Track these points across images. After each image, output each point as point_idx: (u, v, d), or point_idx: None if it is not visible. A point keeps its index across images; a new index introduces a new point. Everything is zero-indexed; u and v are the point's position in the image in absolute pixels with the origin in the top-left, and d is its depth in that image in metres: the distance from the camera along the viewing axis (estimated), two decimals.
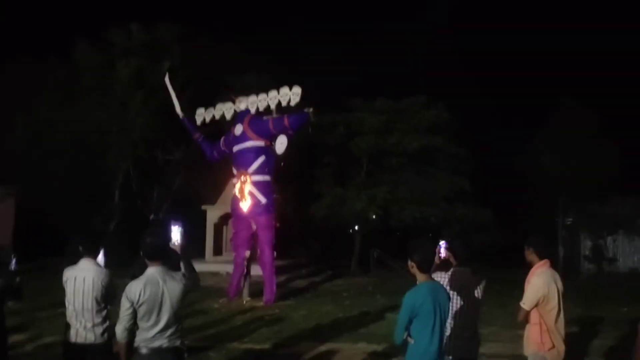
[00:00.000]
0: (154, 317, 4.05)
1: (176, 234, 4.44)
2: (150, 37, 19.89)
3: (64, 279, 5.00)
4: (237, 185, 13.11)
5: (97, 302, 4.91)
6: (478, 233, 19.01)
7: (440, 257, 5.12)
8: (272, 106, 13.00)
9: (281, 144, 12.59)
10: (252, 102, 13.43)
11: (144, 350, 4.05)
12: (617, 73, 26.07)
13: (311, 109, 12.58)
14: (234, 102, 13.85)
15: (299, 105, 12.67)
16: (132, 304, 4.02)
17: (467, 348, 5.00)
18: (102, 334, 4.95)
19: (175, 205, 20.85)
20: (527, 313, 5.00)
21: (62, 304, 5.72)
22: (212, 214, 18.60)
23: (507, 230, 19.34)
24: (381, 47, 30.41)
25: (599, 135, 18.68)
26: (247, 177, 12.92)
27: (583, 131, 18.62)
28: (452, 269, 5.03)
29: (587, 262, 20.47)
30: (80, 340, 4.92)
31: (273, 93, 13.04)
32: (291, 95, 12.68)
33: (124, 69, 18.92)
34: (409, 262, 4.29)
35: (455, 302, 4.93)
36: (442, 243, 5.20)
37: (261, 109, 13.25)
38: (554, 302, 5.00)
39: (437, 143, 18.40)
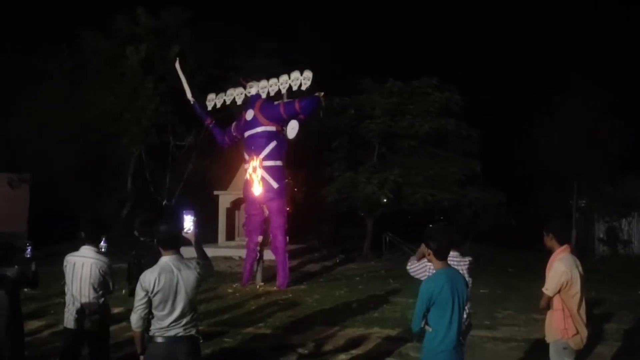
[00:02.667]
0: (169, 306, 4.05)
1: (189, 222, 4.42)
2: (158, 22, 19.81)
3: (64, 264, 5.06)
4: (249, 171, 13.11)
5: (94, 289, 4.97)
6: (489, 215, 18.94)
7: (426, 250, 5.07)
8: (283, 91, 12.92)
9: (292, 129, 12.54)
10: (263, 87, 13.36)
11: (159, 339, 4.06)
12: (629, 49, 25.62)
13: (322, 93, 12.50)
14: (244, 87, 13.79)
15: (310, 89, 12.60)
16: (147, 293, 4.03)
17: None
18: (98, 320, 5.01)
19: (187, 191, 20.92)
20: (550, 299, 4.94)
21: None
22: (224, 199, 18.62)
23: (518, 213, 19.23)
24: (389, 28, 30.03)
25: (611, 114, 18.39)
26: (259, 162, 12.90)
27: (594, 109, 18.34)
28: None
29: (601, 244, 20.30)
30: (77, 326, 4.98)
31: (284, 77, 12.95)
32: (302, 79, 12.58)
33: (133, 55, 18.87)
34: (425, 249, 4.27)
35: None
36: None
37: (272, 93, 13.17)
38: (576, 287, 4.92)
39: (449, 125, 18.23)
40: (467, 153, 18.92)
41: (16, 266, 5.25)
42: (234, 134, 13.95)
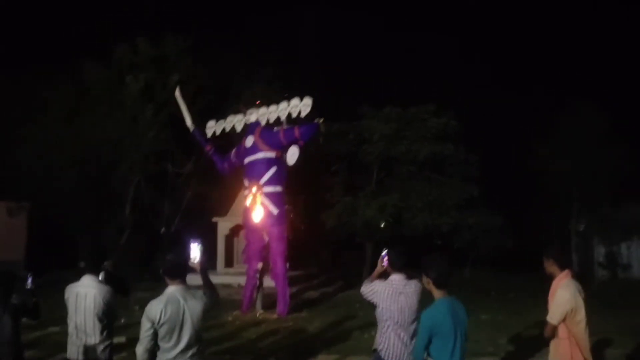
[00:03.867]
0: (175, 337, 4.01)
1: (195, 251, 4.41)
2: (157, 51, 19.98)
3: (66, 295, 5.01)
4: (249, 197, 13.11)
5: (99, 320, 4.92)
6: (488, 239, 18.93)
7: (383, 266, 5.22)
8: (283, 117, 12.98)
9: (292, 155, 12.59)
10: (263, 114, 13.44)
11: None
12: (628, 73, 25.88)
13: (322, 120, 12.58)
14: (244, 114, 13.88)
15: (309, 115, 12.67)
16: (153, 324, 4.00)
17: (405, 351, 4.96)
18: (104, 351, 4.96)
19: (185, 218, 20.87)
20: (555, 328, 4.86)
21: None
22: (223, 226, 18.59)
23: (517, 236, 19.24)
24: (387, 55, 30.36)
25: (611, 137, 18.53)
26: (259, 188, 12.91)
27: (594, 133, 18.49)
28: (389, 276, 5.11)
29: (601, 268, 20.27)
30: (81, 357, 4.91)
31: (283, 104, 13.03)
32: (301, 106, 12.65)
33: (133, 83, 19.00)
34: (424, 279, 4.26)
35: (393, 307, 4.95)
36: (384, 253, 5.29)
37: (271, 120, 13.24)
38: (581, 313, 4.86)
39: (447, 150, 18.33)
40: (465, 177, 18.96)
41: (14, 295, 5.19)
42: (234, 160, 14.00)
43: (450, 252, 17.93)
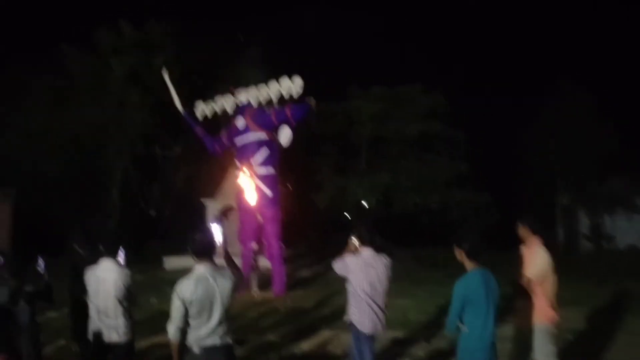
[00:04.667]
0: (205, 315, 4.05)
1: (217, 233, 4.43)
2: (142, 34, 19.70)
3: (86, 278, 5.01)
4: (242, 179, 13.07)
5: (119, 302, 4.95)
6: (477, 217, 19.16)
7: (355, 244, 5.44)
8: (274, 98, 12.94)
9: (285, 135, 12.56)
10: (253, 95, 13.36)
11: (196, 349, 4.06)
12: (612, 52, 26.24)
13: (312, 99, 12.54)
14: (234, 95, 13.77)
15: (300, 95, 12.63)
16: (184, 302, 4.02)
17: (377, 320, 5.32)
18: (125, 333, 5.00)
19: (175, 200, 20.77)
20: (534, 283, 5.23)
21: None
22: (212, 207, 18.55)
23: (504, 213, 19.49)
24: (374, 32, 30.22)
25: (596, 114, 18.82)
26: (252, 170, 12.88)
27: (580, 111, 18.76)
28: (359, 251, 5.35)
29: (586, 241, 20.69)
30: (102, 339, 4.95)
31: (274, 84, 12.97)
32: (292, 86, 12.60)
33: (118, 67, 18.73)
34: (457, 250, 4.34)
35: (363, 279, 5.24)
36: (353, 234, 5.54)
37: (262, 101, 13.17)
38: (553, 275, 5.31)
39: (435, 129, 18.44)
40: (453, 155, 19.14)
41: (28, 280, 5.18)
42: (225, 142, 13.90)
43: (439, 229, 18.14)
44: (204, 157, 17.68)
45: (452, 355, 7.42)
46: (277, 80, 12.85)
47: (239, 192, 13.31)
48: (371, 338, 5.38)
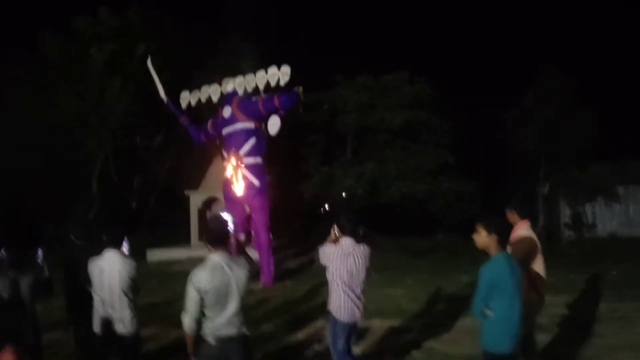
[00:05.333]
0: (221, 305, 3.96)
1: (229, 222, 4.34)
2: (122, 22, 19.29)
3: (90, 270, 4.88)
4: (229, 169, 12.92)
5: (125, 293, 4.84)
6: (462, 205, 19.28)
7: (336, 234, 5.46)
8: (261, 87, 12.77)
9: (274, 125, 12.41)
10: (240, 84, 13.17)
11: (211, 340, 3.97)
12: (593, 39, 26.55)
13: (301, 88, 12.41)
14: (220, 84, 13.58)
15: (287, 84, 12.50)
16: (199, 292, 3.92)
17: (355, 309, 5.31)
18: (131, 324, 4.90)
19: (157, 192, 20.51)
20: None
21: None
22: (196, 199, 18.31)
23: (489, 201, 19.65)
24: (358, 20, 30.05)
25: (576, 102, 19.03)
26: (239, 159, 12.73)
27: (561, 99, 18.94)
28: (340, 240, 5.36)
29: (567, 229, 20.96)
30: (107, 331, 4.85)
31: (261, 73, 12.79)
32: (280, 75, 12.45)
33: (97, 55, 18.33)
34: (483, 232, 4.28)
35: (342, 268, 5.24)
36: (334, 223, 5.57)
37: (249, 90, 13.00)
38: (541, 257, 5.39)
39: (421, 118, 18.45)
40: (439, 144, 19.18)
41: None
42: (211, 131, 13.73)
43: (423, 219, 18.26)
44: (187, 148, 17.45)
45: (455, 343, 7.53)
46: (265, 69, 12.69)
47: (225, 182, 13.16)
48: (350, 327, 5.39)
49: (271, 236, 12.97)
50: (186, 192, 18.31)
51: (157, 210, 19.33)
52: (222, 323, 3.95)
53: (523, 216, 5.52)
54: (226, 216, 4.41)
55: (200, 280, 3.91)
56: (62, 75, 18.78)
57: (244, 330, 4.08)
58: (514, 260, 4.32)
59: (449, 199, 18.83)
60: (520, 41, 27.61)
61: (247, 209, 12.92)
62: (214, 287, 3.90)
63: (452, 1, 32.48)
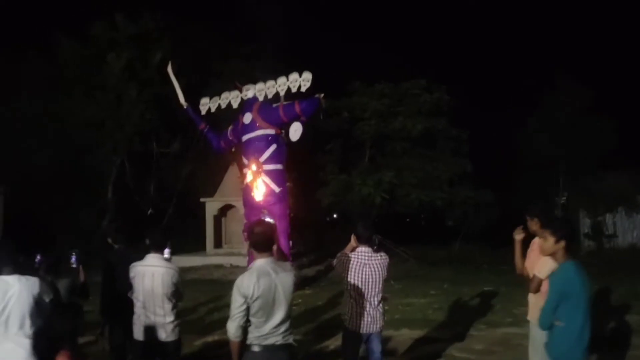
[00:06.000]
0: (267, 312, 3.80)
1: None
2: (138, 28, 19.28)
3: (132, 275, 4.77)
4: (249, 175, 12.81)
5: (168, 299, 4.72)
6: (479, 214, 19.10)
7: (354, 242, 5.32)
8: (282, 93, 12.67)
9: (295, 131, 12.29)
10: (260, 90, 13.10)
11: (256, 349, 3.81)
12: (610, 46, 26.36)
13: (322, 95, 12.30)
14: (240, 90, 13.50)
15: (308, 91, 12.40)
16: (246, 299, 3.75)
17: (366, 320, 5.15)
18: (173, 331, 4.78)
19: (175, 198, 20.38)
20: (541, 282, 4.79)
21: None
22: (211, 206, 18.22)
23: (503, 211, 19.43)
24: (377, 28, 29.91)
25: (594, 110, 18.84)
26: (259, 166, 12.62)
27: (578, 106, 18.78)
28: (356, 249, 5.22)
29: (586, 239, 20.66)
30: (148, 338, 4.72)
31: (282, 79, 12.69)
32: (301, 81, 12.34)
33: (114, 61, 18.30)
34: (551, 239, 4.10)
35: (357, 278, 5.12)
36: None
37: (269, 96, 12.91)
38: None
39: (440, 126, 18.33)
40: (456, 152, 19.02)
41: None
42: (231, 138, 13.65)
43: (440, 228, 18.07)
44: (203, 155, 17.35)
45: (490, 354, 7.37)
46: (286, 76, 12.59)
47: (245, 189, 13.06)
48: (361, 337, 5.23)
49: (290, 243, 12.84)
50: (202, 199, 18.23)
51: (172, 217, 19.21)
52: (268, 331, 3.80)
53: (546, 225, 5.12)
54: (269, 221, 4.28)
55: (247, 286, 3.76)
56: (77, 80, 18.75)
57: (290, 339, 3.93)
58: (583, 269, 4.13)
59: (467, 208, 18.64)
60: (537, 48, 27.46)
61: (267, 216, 12.77)
62: (260, 294, 3.75)
63: (468, 9, 32.27)
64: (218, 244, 18.45)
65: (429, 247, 18.81)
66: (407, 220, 18.66)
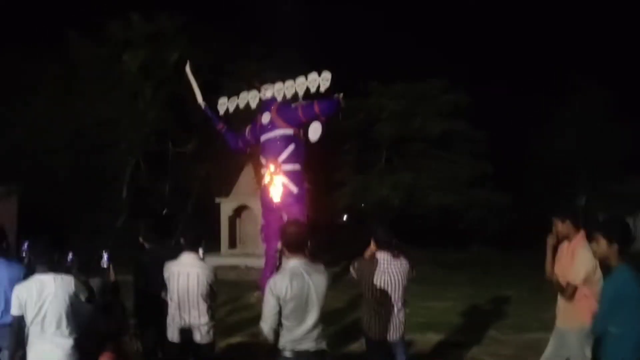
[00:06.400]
0: (300, 314, 3.68)
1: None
2: (153, 27, 19.22)
3: (166, 274, 4.65)
4: (267, 176, 12.67)
5: (203, 300, 4.60)
6: (497, 216, 18.91)
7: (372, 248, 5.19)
8: (300, 93, 12.52)
9: (315, 131, 12.06)
10: (279, 90, 12.93)
11: (288, 353, 3.70)
12: (631, 49, 25.99)
13: (342, 95, 12.14)
14: (259, 90, 13.35)
15: (327, 90, 12.25)
16: (279, 300, 3.64)
17: (385, 327, 5.03)
18: (208, 332, 4.66)
19: (193, 198, 20.27)
20: (576, 289, 4.72)
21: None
22: (226, 207, 18.10)
23: (524, 214, 19.24)
24: (394, 28, 29.63)
25: (616, 113, 18.63)
26: (277, 166, 12.48)
27: (598, 110, 18.59)
28: (375, 255, 5.07)
29: None
30: (183, 339, 4.60)
31: (301, 79, 12.53)
32: (320, 80, 12.16)
33: (130, 60, 18.24)
34: (602, 242, 3.93)
35: (375, 285, 4.97)
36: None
37: (288, 96, 12.76)
38: (599, 272, 4.69)
39: (460, 127, 18.14)
40: (474, 154, 18.83)
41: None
42: (249, 138, 13.45)
43: (456, 231, 17.87)
44: (218, 155, 17.22)
45: (515, 358, 7.20)
46: (305, 75, 12.44)
47: (263, 190, 12.90)
48: (384, 345, 5.10)
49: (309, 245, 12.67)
50: (217, 200, 18.12)
51: (188, 218, 19.12)
52: (301, 335, 3.69)
53: (579, 228, 4.83)
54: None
55: (280, 287, 3.65)
56: (93, 79, 18.72)
57: (324, 344, 3.80)
58: (636, 272, 3.95)
59: (485, 210, 18.44)
60: (559, 50, 27.06)
61: (285, 217, 12.64)
62: (294, 295, 3.64)
63: (488, 9, 31.86)
64: (232, 244, 18.35)
65: (445, 250, 18.62)
66: (421, 222, 18.33)
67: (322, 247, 20.31)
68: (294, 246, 3.85)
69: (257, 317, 9.94)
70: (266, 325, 3.71)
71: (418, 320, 9.36)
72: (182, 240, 4.71)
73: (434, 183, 17.72)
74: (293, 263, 3.81)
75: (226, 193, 18.16)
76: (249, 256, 16.89)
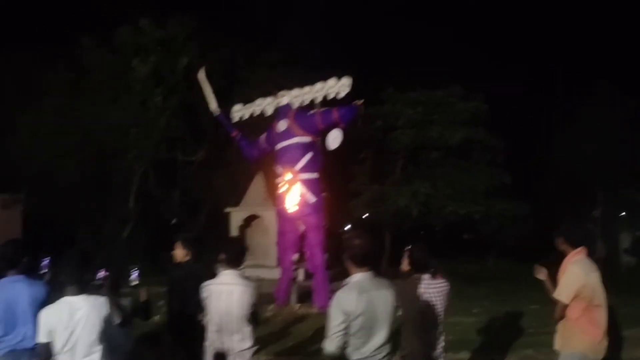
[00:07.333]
0: (368, 331, 3.41)
1: None
2: (164, 33, 18.89)
3: (204, 295, 4.25)
4: (284, 184, 12.28)
5: (247, 322, 4.20)
6: (514, 227, 18.51)
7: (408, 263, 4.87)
8: (318, 99, 12.14)
9: (335, 138, 11.72)
10: (296, 96, 12.58)
11: None
12: None
13: (361, 101, 11.79)
14: (275, 96, 12.99)
15: (345, 97, 11.88)
16: (348, 316, 3.35)
17: (429, 354, 4.75)
18: (249, 356, 4.26)
19: (205, 207, 19.87)
20: (566, 307, 4.65)
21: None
22: (236, 217, 17.70)
23: (543, 224, 18.81)
24: (410, 35, 29.22)
25: (634, 121, 18.29)
26: (295, 175, 12.10)
27: (618, 117, 18.26)
28: (410, 277, 4.77)
29: (627, 255, 20.03)
30: None
31: (318, 85, 12.17)
32: (339, 86, 11.83)
33: (141, 66, 17.89)
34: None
35: (413, 309, 4.62)
36: (407, 250, 4.93)
37: (305, 102, 12.40)
38: (600, 295, 4.65)
39: (479, 136, 17.75)
40: (491, 163, 18.42)
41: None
42: (264, 146, 13.10)
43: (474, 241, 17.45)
44: (230, 163, 16.84)
45: None
46: (324, 81, 12.09)
47: (279, 199, 12.52)
48: None
49: (327, 256, 12.28)
50: (226, 209, 17.73)
51: (198, 227, 18.70)
52: (369, 352, 3.42)
53: (575, 244, 4.86)
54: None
55: (348, 303, 3.38)
56: (102, 85, 18.39)
57: None
58: None
59: (503, 220, 18.01)
60: (576, 57, 26.64)
61: (302, 227, 12.26)
62: (362, 311, 3.36)
63: (504, 16, 31.48)
64: None
65: (461, 262, 18.22)
66: (436, 233, 17.92)
67: (333, 256, 20.01)
68: (360, 259, 3.59)
69: (277, 333, 9.58)
70: (332, 344, 3.43)
71: (448, 337, 8.90)
72: (221, 256, 4.31)
73: (451, 193, 17.28)
74: (358, 277, 3.56)
75: (236, 202, 17.79)
76: (260, 267, 16.49)
